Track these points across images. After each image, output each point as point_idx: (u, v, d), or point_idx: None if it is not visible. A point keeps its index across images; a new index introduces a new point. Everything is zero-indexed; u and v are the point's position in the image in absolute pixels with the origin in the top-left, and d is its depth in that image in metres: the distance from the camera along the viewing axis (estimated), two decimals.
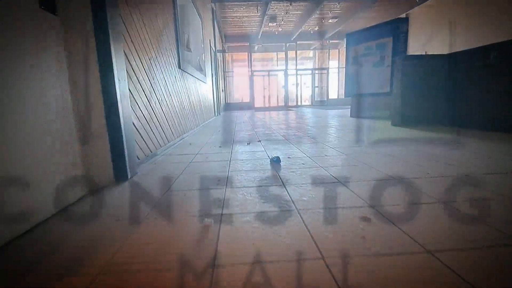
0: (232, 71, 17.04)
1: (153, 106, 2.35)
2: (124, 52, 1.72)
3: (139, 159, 1.93)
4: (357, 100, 5.80)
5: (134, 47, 1.96)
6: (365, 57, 5.42)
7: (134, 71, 1.93)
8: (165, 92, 2.73)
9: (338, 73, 15.91)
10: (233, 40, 13.42)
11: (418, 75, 3.71)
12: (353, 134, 3.19)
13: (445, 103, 3.74)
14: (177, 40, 3.35)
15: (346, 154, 2.10)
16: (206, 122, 5.60)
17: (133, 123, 1.87)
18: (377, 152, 2.14)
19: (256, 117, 7.13)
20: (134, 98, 1.92)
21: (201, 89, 5.29)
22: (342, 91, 16.00)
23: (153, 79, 2.39)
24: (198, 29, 5.29)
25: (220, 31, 11.08)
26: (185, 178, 1.59)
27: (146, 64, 2.19)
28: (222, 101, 11.60)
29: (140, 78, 2.07)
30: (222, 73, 12.24)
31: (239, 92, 18.99)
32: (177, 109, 3.21)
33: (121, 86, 1.54)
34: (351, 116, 5.98)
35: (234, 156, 2.15)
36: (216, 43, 9.02)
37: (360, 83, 5.58)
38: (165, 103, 2.71)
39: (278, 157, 1.83)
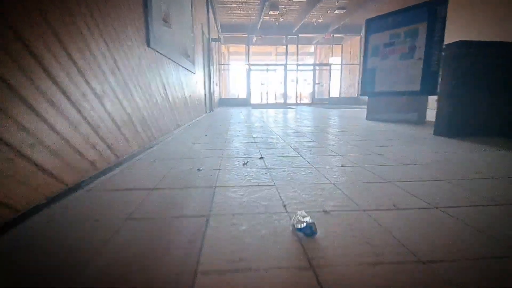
0: (228, 64, 15.96)
1: (79, 102, 1.33)
2: None
3: (17, 211, 0.92)
4: (376, 99, 4.83)
5: None
6: (389, 47, 4.44)
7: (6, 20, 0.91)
8: (114, 80, 1.71)
9: (341, 70, 14.97)
10: (229, 30, 12.32)
11: (477, 68, 2.75)
12: (403, 150, 2.21)
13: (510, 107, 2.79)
14: (145, 6, 2.31)
15: (449, 214, 1.12)
16: (194, 120, 4.58)
17: None
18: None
19: (254, 115, 6.12)
20: (7, 84, 0.90)
21: (188, 80, 4.25)
22: (344, 90, 15.07)
23: (84, 55, 1.36)
24: (186, 6, 4.23)
25: (215, 18, 9.98)
26: None
27: (58, 20, 1.17)
28: (217, 96, 10.55)
29: (36, 46, 1.04)
30: (217, 65, 11.16)
31: (235, 87, 17.95)
32: (141, 105, 2.18)
33: None
34: (367, 118, 5.01)
35: (219, 202, 1.15)
36: (210, 30, 7.95)
37: (381, 79, 4.60)
38: (113, 96, 1.69)
39: (310, 226, 0.84)
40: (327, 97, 14.37)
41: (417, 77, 4.08)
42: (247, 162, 1.80)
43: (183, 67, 3.81)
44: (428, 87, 3.99)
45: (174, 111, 3.32)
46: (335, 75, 14.77)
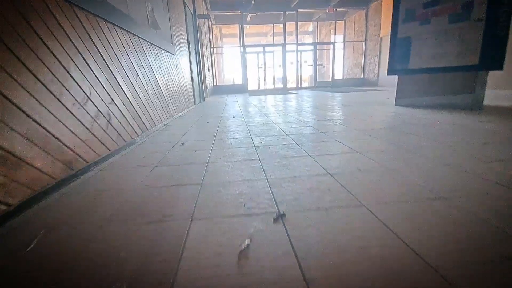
0: (222, 47, 14.59)
1: None
2: None
3: None
4: (410, 79, 3.74)
5: None
6: (432, 7, 3.29)
7: None
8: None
9: (344, 48, 13.67)
10: (221, 7, 10.92)
11: None
12: None
13: None
14: None
15: None
16: (175, 116, 3.50)
17: None
18: None
19: (252, 105, 5.02)
20: None
21: (162, 63, 3.14)
22: (348, 70, 13.79)
23: None
24: None
25: None
26: None
27: None
28: (210, 83, 9.38)
29: None
30: (209, 48, 9.90)
31: (230, 73, 16.64)
32: (47, 116, 1.11)
33: None
34: (397, 104, 3.93)
35: None
36: (197, 5, 6.69)
37: (419, 51, 3.49)
38: None
39: None
40: (328, 79, 13.19)
41: (475, 45, 2.97)
42: (248, 244, 0.75)
43: (149, 42, 2.69)
44: (491, 58, 2.89)
45: (136, 111, 2.24)
46: (338, 54, 13.48)
